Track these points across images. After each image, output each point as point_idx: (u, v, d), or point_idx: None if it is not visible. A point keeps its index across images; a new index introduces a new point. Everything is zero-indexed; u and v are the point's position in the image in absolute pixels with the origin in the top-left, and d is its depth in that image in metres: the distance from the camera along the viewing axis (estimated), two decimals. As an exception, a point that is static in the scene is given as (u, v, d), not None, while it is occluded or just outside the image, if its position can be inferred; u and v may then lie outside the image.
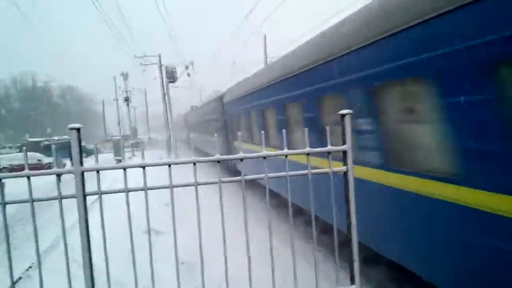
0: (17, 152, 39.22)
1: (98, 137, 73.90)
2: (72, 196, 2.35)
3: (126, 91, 46.92)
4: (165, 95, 33.73)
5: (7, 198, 2.30)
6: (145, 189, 2.45)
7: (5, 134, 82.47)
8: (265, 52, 38.10)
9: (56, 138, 50.66)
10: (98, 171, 2.40)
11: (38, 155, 32.85)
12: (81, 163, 2.37)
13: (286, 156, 2.67)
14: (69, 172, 2.36)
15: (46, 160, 24.22)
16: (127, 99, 46.76)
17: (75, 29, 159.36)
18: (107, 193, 2.44)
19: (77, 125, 2.34)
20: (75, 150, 2.34)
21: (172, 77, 31.80)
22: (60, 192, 2.33)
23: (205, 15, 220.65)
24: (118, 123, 53.45)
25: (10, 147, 50.52)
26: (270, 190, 12.57)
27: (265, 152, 2.63)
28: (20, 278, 8.21)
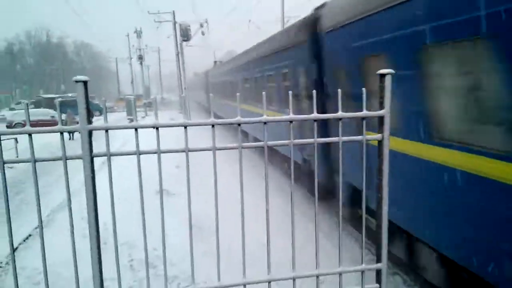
0: (32, 108, 39.48)
1: (112, 96, 74.00)
2: (77, 157, 2.12)
3: (140, 49, 46.36)
4: (178, 53, 33.15)
5: (25, 154, 2.12)
6: (158, 152, 2.20)
7: (20, 90, 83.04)
8: (283, 11, 36.85)
9: (70, 94, 50.81)
10: (107, 130, 2.15)
11: (51, 112, 33.04)
12: (89, 121, 2.12)
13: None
14: (74, 130, 2.12)
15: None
16: (140, 57, 46.31)
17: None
18: (116, 155, 2.20)
19: (83, 78, 2.07)
20: (81, 106, 2.09)
21: (186, 35, 31.09)
22: (65, 152, 2.10)
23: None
24: (132, 82, 53.24)
25: (22, 103, 50.68)
26: (284, 155, 12.19)
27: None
28: (29, 235, 8.29)
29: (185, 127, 2.24)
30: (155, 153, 2.23)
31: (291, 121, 2.34)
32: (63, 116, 23.08)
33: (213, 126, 2.28)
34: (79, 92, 2.08)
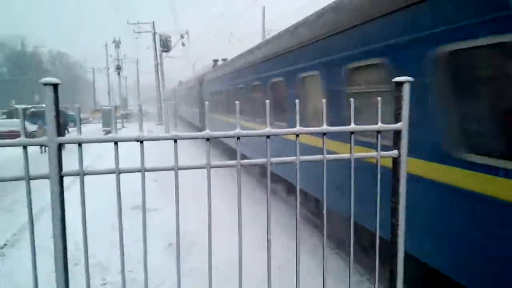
0: (4, 118, 38.03)
1: (88, 107, 72.35)
2: (43, 177, 1.75)
3: (118, 59, 45.61)
4: (158, 64, 32.67)
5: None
6: (142, 170, 1.85)
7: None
8: (263, 24, 37.04)
9: (43, 105, 49.12)
10: (80, 144, 1.79)
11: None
12: (59, 132, 1.76)
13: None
14: (40, 144, 1.76)
15: (31, 128, 23.29)
16: (118, 68, 45.54)
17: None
18: (91, 174, 1.84)
19: (53, 80, 1.71)
20: (50, 114, 1.73)
21: (166, 46, 30.71)
22: (28, 171, 1.73)
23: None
24: (108, 93, 52.20)
25: (-5, 113, 49.06)
26: (275, 174, 11.35)
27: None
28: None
29: (175, 141, 1.90)
30: (138, 171, 1.88)
31: (297, 134, 2.03)
32: (34, 127, 22.14)
33: (208, 139, 1.95)
34: (47, 97, 1.73)
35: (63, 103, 58.59)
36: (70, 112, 44.60)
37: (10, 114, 42.67)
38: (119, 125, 38.57)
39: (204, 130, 1.95)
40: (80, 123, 1.92)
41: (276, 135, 2.02)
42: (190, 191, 5.81)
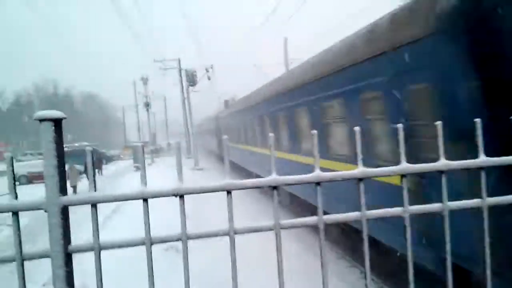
0: (38, 159, 39.11)
1: (119, 144, 73.96)
2: (43, 255, 1.19)
3: (146, 96, 46.48)
4: (185, 99, 32.89)
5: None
6: (183, 237, 1.26)
7: (28, 141, 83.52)
8: (286, 54, 36.93)
9: (77, 144, 50.49)
10: (94, 205, 1.23)
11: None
12: (64, 189, 1.21)
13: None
14: (37, 208, 1.20)
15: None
16: (147, 104, 46.38)
17: (95, 35, 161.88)
18: (111, 248, 1.26)
19: (53, 113, 1.18)
20: (49, 162, 1.19)
21: (192, 80, 30.93)
22: (21, 247, 1.17)
23: (225, 17, 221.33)
24: (138, 129, 53.09)
25: (32, 154, 50.60)
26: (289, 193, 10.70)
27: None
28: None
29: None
30: (178, 240, 1.29)
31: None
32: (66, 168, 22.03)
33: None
34: (45, 137, 1.18)
35: (95, 141, 60.07)
36: (102, 150, 45.49)
37: (45, 155, 43.90)
38: (148, 161, 38.78)
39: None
40: (93, 170, 1.37)
41: (371, 177, 1.40)
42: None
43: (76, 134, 73.08)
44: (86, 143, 52.08)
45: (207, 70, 32.98)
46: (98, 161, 29.63)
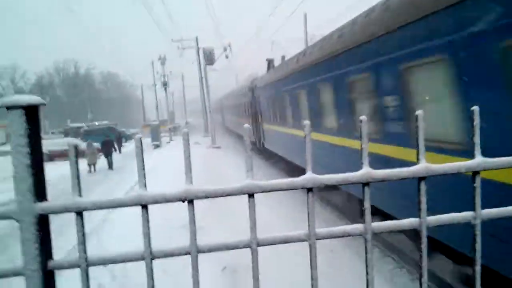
0: (63, 137, 39.91)
1: (138, 122, 74.64)
2: (17, 273, 0.95)
3: (164, 76, 46.40)
4: (202, 78, 32.58)
5: None
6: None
7: (50, 121, 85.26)
8: (306, 31, 35.99)
9: (96, 123, 51.02)
10: (79, 213, 0.97)
11: (75, 141, 32.81)
12: (43, 193, 0.96)
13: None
14: (7, 217, 0.96)
15: (83, 146, 23.61)
16: (165, 84, 46.40)
17: (114, 14, 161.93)
18: (101, 264, 1.01)
19: (24, 99, 0.92)
20: (18, 157, 0.93)
21: (210, 59, 30.51)
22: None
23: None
24: (156, 108, 53.28)
25: (53, 133, 51.51)
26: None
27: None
28: None
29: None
30: (186, 254, 1.03)
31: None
32: (84, 146, 21.98)
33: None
34: (14, 128, 0.92)
35: (115, 120, 60.67)
36: (122, 129, 45.91)
37: (66, 133, 44.74)
38: (167, 139, 38.92)
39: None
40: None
41: (435, 175, 1.10)
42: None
43: (97, 113, 73.96)
44: (106, 122, 52.58)
45: (225, 49, 32.47)
46: (118, 139, 29.82)
